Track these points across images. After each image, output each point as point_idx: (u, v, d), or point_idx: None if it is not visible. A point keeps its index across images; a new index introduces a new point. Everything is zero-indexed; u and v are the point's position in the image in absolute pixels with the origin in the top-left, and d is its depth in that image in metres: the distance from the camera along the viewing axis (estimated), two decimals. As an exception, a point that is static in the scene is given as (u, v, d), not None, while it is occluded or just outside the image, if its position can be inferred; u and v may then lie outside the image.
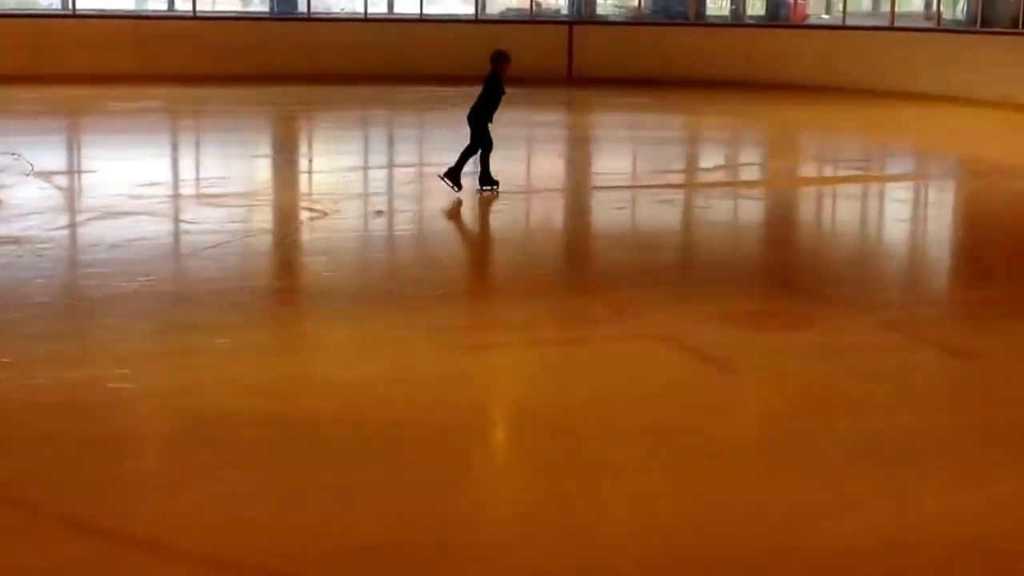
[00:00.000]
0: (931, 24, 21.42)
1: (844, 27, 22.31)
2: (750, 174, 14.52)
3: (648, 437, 5.36)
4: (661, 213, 11.09)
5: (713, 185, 13.08)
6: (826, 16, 24.50)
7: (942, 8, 21.59)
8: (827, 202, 12.32)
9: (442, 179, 10.79)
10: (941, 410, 5.80)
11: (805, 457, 5.15)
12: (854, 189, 12.81)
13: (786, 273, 8.88)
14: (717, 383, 6.15)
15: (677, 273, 8.74)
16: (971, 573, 4.16)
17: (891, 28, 21.56)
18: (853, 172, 14.21)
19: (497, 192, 10.93)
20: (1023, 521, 4.51)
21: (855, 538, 4.37)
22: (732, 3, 24.70)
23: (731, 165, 15.28)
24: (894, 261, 9.61)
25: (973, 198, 12.50)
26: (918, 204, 12.40)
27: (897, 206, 12.21)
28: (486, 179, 10.98)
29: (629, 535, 4.41)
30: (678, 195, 12.19)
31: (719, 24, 24.49)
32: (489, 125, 10.92)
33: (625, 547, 4.32)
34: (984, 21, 19.96)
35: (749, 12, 24.27)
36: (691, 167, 14.92)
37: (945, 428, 5.57)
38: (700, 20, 24.35)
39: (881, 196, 12.62)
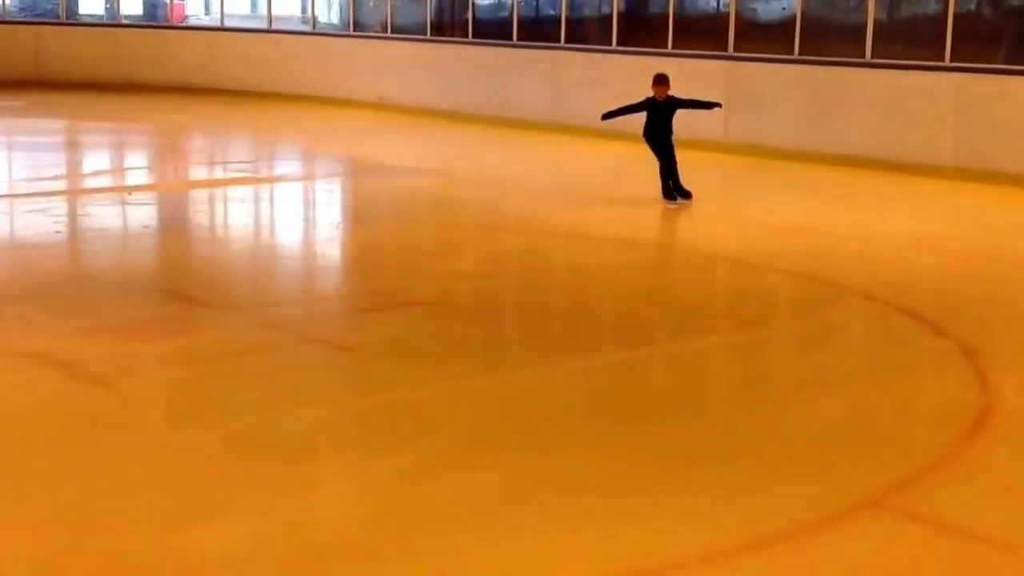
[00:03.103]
0: (308, 28, 21.97)
1: (224, 29, 22.32)
2: (136, 178, 14.12)
3: (19, 459, 4.95)
4: (36, 223, 10.43)
5: (96, 191, 12.54)
6: (205, 17, 24.39)
7: (317, 12, 22.21)
8: (218, 205, 12.23)
9: (673, 202, 11.29)
10: (321, 403, 5.85)
11: (182, 464, 5.01)
12: (244, 191, 12.82)
13: (172, 279, 8.65)
14: (92, 399, 5.82)
15: (52, 286, 8.20)
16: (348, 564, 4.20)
17: (270, 31, 21.87)
18: (242, 174, 14.22)
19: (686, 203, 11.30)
20: (413, 499, 4.63)
21: (229, 541, 4.29)
22: (107, 2, 23.84)
23: (115, 170, 14.77)
24: (282, 261, 9.67)
25: (359, 196, 12.94)
26: (306, 204, 12.61)
27: (286, 206, 12.36)
28: (679, 191, 11.38)
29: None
30: (56, 203, 11.52)
31: (94, 24, 23.59)
32: (671, 139, 11.38)
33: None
34: (356, 25, 20.78)
35: (125, 12, 23.55)
36: (71, 173, 14.23)
37: (326, 421, 5.63)
38: (73, 19, 23.33)
39: (270, 197, 12.72)
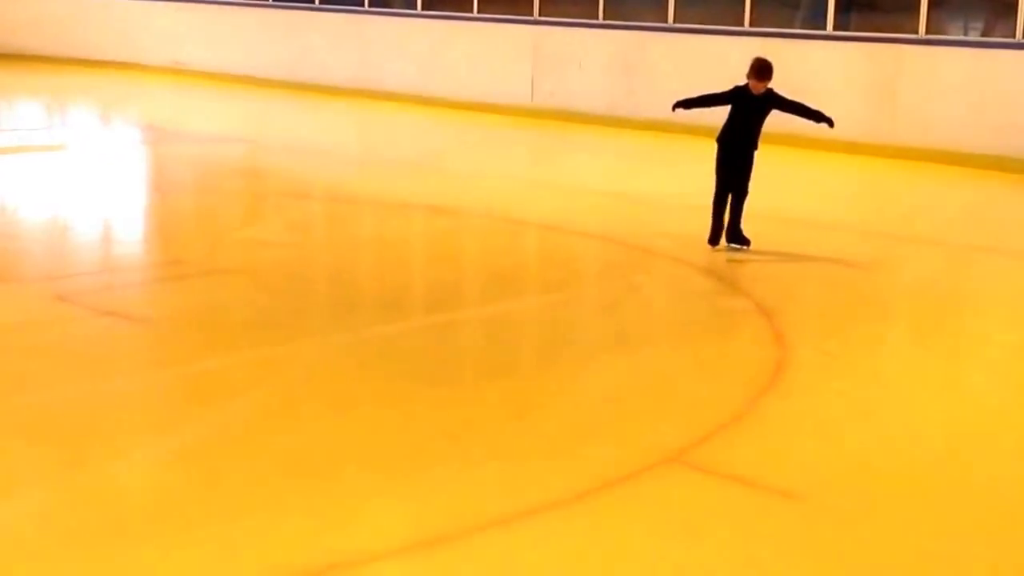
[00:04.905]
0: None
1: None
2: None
3: None
4: None
5: None
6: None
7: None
8: (4, 173, 11.67)
9: (732, 245, 8.32)
10: (117, 376, 5.65)
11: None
12: (33, 159, 12.27)
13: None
14: None
15: None
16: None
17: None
18: (31, 142, 13.61)
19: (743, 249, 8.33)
20: (212, 469, 4.52)
21: (22, 516, 4.15)
22: None
23: None
24: (75, 231, 9.28)
25: (157, 163, 12.54)
26: (100, 172, 12.13)
27: (78, 174, 11.86)
28: (738, 234, 8.34)
29: None
30: None
31: None
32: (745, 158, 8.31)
33: None
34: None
35: None
36: None
37: (122, 393, 5.45)
38: None
39: (62, 165, 12.20)
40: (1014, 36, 12.22)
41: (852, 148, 12.60)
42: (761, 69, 8.22)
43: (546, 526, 4.19)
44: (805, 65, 13.24)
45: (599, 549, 4.03)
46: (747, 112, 8.29)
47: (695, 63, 14.02)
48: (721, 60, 13.83)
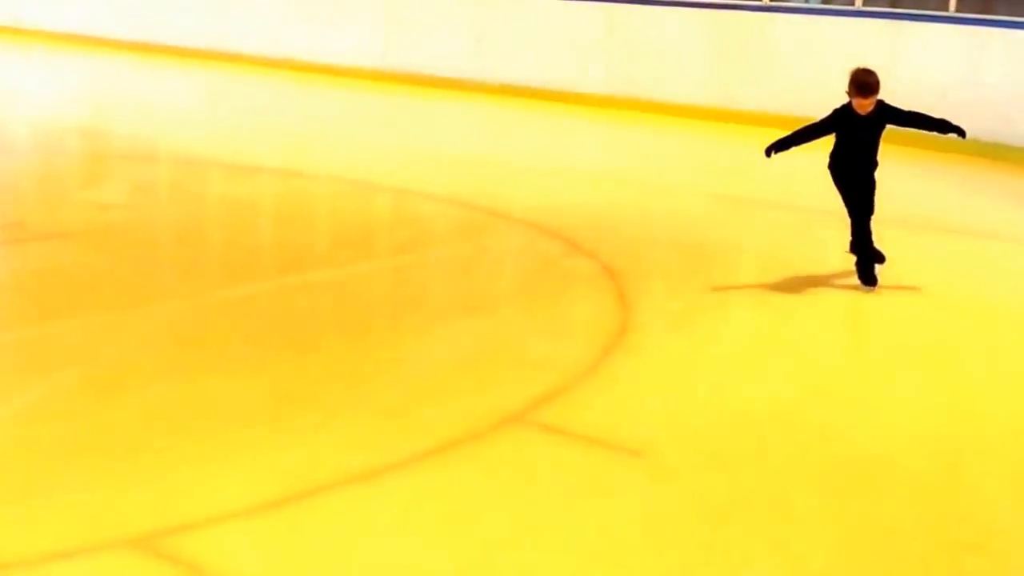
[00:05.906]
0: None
1: None
2: None
3: None
4: None
5: None
6: None
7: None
8: None
9: (872, 286, 6.95)
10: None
11: None
12: None
13: None
14: None
15: None
16: None
17: None
18: None
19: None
20: (55, 433, 4.43)
21: None
22: None
23: None
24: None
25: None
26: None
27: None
28: (874, 253, 7.07)
29: None
30: None
31: None
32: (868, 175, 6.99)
33: None
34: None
35: None
36: None
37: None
38: None
39: None
40: (853, 4, 12.56)
41: (697, 113, 12.82)
42: (862, 85, 6.82)
43: (390, 487, 4.23)
44: (649, 31, 13.41)
45: (442, 509, 4.08)
46: (858, 135, 6.98)
47: (545, 28, 14.09)
48: (569, 25, 13.95)
